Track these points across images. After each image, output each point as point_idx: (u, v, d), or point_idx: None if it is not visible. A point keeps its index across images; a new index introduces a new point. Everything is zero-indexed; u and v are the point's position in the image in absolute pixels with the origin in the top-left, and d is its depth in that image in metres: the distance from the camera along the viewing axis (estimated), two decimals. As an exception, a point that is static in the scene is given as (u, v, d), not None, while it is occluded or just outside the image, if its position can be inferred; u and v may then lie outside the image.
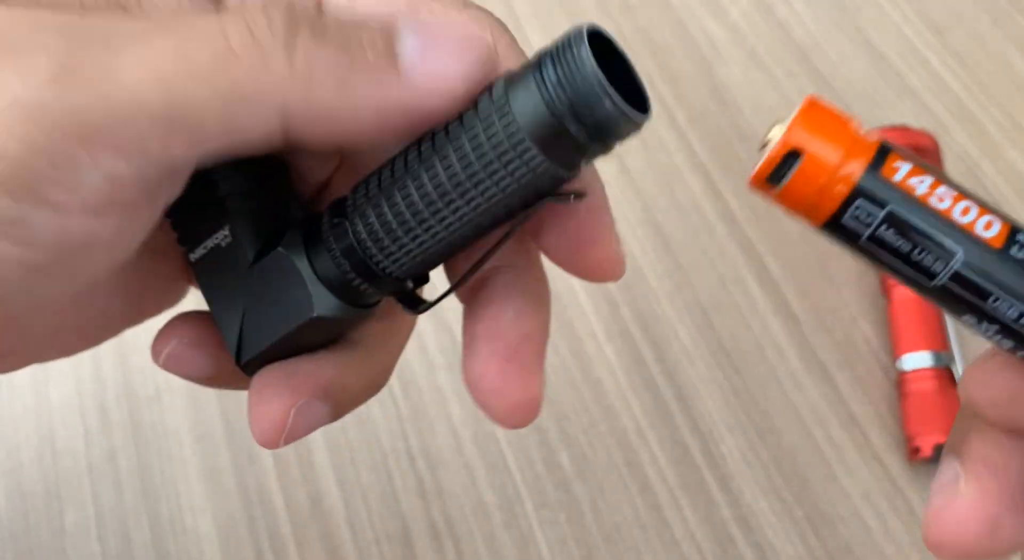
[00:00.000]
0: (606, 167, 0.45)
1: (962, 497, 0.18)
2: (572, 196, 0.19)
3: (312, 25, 0.17)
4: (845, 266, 0.41)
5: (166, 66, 0.16)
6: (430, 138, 0.19)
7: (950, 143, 0.44)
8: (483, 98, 0.18)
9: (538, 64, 0.18)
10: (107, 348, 0.41)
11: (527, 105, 0.18)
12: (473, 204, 0.18)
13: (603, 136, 0.18)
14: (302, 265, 0.20)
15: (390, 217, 0.19)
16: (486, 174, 0.18)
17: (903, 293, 0.39)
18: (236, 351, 0.21)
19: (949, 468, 0.18)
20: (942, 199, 0.16)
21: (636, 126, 0.18)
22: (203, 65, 0.16)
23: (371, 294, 0.20)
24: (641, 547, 0.36)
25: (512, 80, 0.18)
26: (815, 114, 0.17)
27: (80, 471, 0.39)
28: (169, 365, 0.22)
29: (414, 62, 0.18)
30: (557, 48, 0.18)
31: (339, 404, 0.21)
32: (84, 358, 0.41)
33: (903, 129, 0.40)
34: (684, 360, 0.40)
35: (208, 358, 0.22)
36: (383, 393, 0.40)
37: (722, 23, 0.49)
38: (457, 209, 0.19)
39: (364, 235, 0.19)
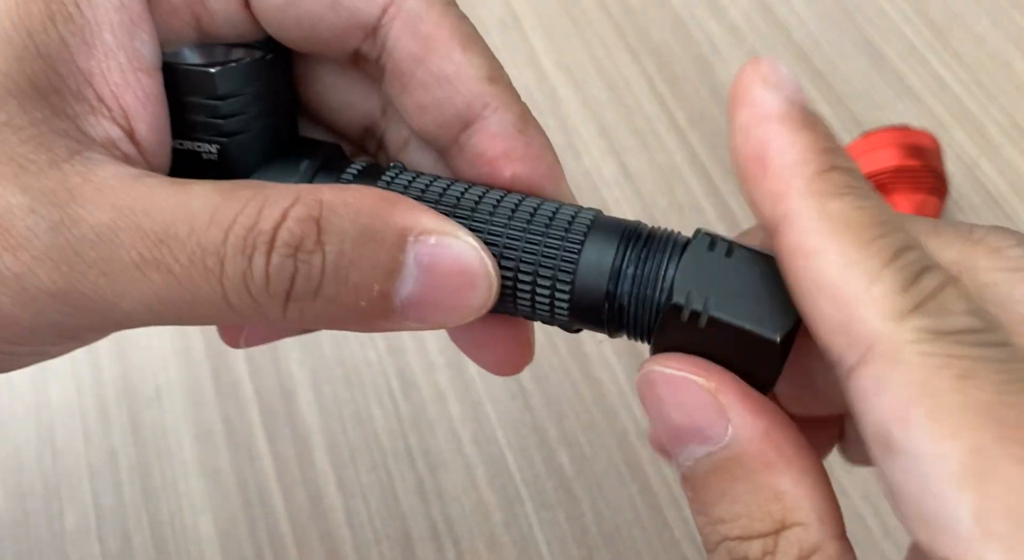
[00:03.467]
0: (606, 167, 0.45)
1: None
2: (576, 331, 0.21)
3: (308, 279, 0.18)
4: (845, 266, 0.41)
5: (161, 302, 0.18)
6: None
7: (950, 143, 0.44)
8: (565, 209, 0.20)
9: (627, 245, 0.19)
10: (107, 348, 0.41)
11: (597, 261, 0.19)
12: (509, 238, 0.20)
13: (626, 334, 0.20)
14: None
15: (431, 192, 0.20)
16: (528, 232, 0.20)
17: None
18: None
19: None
20: None
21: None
22: (194, 316, 0.18)
23: None
24: (641, 547, 0.36)
25: (600, 226, 0.20)
26: None
27: (80, 471, 0.39)
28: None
29: (407, 307, 0.19)
30: (650, 250, 0.19)
31: None
32: (84, 358, 0.41)
33: (903, 129, 0.40)
34: (684, 360, 0.40)
35: None
36: (383, 393, 0.40)
37: (722, 23, 0.49)
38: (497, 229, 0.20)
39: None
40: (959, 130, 0.45)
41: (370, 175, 0.21)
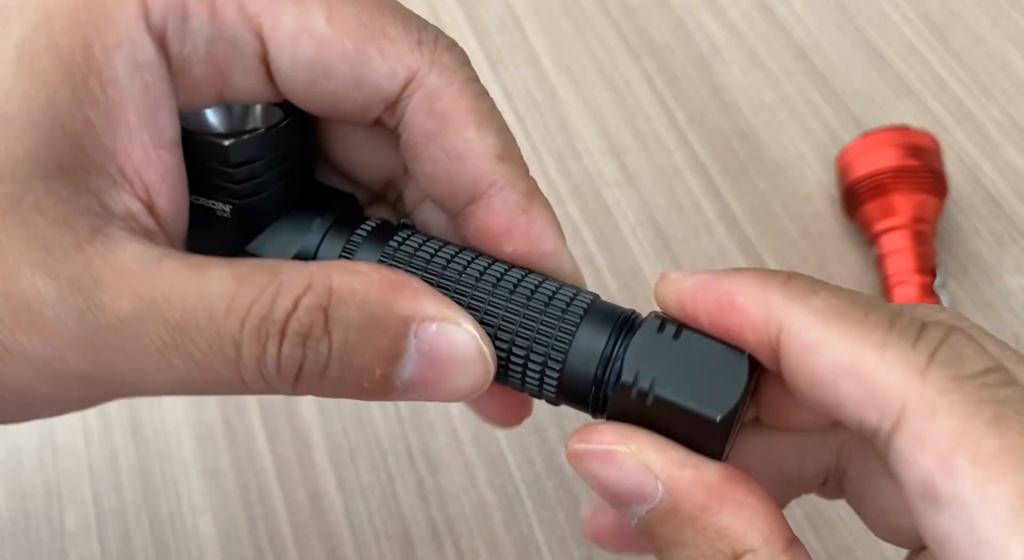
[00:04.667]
0: (606, 167, 0.45)
1: None
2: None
3: (315, 364, 0.19)
4: (845, 267, 0.42)
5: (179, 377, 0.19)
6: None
7: (950, 143, 0.44)
8: (563, 292, 0.21)
9: (617, 338, 0.20)
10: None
11: (588, 346, 0.20)
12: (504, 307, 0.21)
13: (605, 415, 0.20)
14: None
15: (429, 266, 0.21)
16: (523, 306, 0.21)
17: (903, 294, 0.39)
18: None
19: None
20: None
21: None
22: (211, 392, 0.19)
23: None
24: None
25: (595, 312, 0.20)
26: None
27: (80, 471, 0.39)
28: None
29: (407, 388, 0.20)
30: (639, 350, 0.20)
31: None
32: (84, 358, 0.41)
33: (903, 129, 0.40)
34: (684, 360, 0.40)
35: None
36: (383, 393, 0.40)
37: (722, 23, 0.49)
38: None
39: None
40: (959, 130, 0.45)
41: (380, 236, 0.22)
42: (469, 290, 0.21)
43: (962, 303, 0.40)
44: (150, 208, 0.20)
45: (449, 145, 0.21)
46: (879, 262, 0.40)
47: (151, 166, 0.20)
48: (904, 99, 0.46)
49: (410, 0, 0.52)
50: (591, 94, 0.47)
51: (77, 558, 0.37)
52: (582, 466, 0.20)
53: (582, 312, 0.20)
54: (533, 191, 0.22)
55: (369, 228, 0.22)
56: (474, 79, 0.22)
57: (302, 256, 0.22)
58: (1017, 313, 0.40)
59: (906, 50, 0.47)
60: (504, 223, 0.22)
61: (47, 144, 0.18)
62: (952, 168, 0.43)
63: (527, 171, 0.22)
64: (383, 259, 0.22)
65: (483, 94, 0.22)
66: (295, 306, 0.19)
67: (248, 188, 0.21)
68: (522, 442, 0.38)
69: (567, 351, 0.20)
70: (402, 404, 0.39)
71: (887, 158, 0.40)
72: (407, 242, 0.22)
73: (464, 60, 0.22)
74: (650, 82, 0.47)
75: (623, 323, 0.20)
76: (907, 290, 0.39)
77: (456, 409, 0.39)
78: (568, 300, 0.21)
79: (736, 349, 0.19)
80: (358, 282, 0.19)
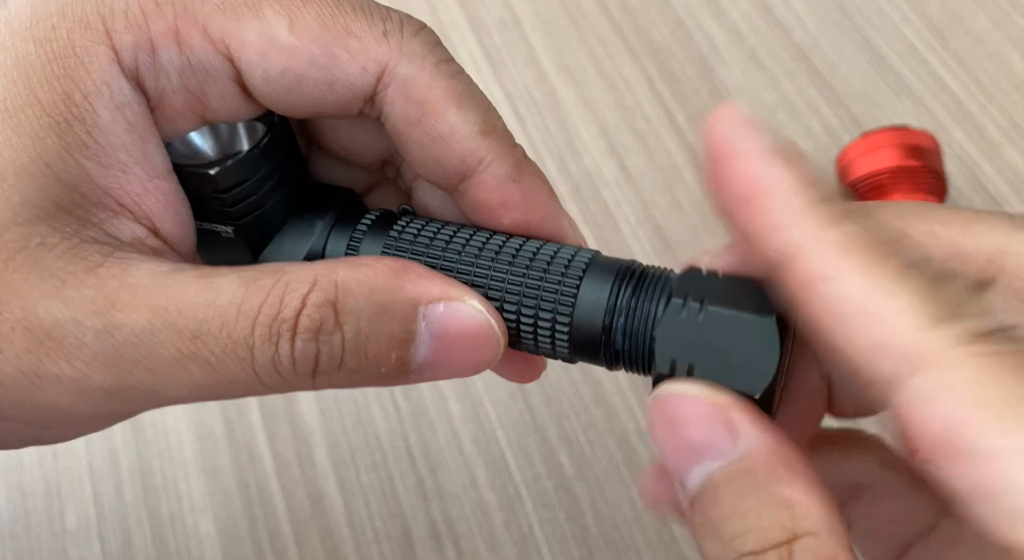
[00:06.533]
0: (606, 167, 0.45)
1: None
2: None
3: (330, 357, 0.20)
4: (845, 266, 0.41)
5: (198, 385, 0.20)
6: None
7: (950, 143, 0.44)
8: (563, 252, 0.21)
9: (621, 285, 0.21)
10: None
11: (594, 299, 0.21)
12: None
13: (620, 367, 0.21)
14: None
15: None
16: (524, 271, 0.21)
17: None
18: None
19: None
20: None
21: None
22: (232, 395, 0.20)
23: None
24: (641, 547, 0.36)
25: (596, 266, 0.21)
26: None
27: (81, 470, 0.39)
28: None
29: (423, 368, 0.21)
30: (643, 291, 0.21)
31: None
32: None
33: (903, 129, 0.40)
34: (684, 360, 0.40)
35: None
36: (383, 393, 0.40)
37: (722, 23, 0.49)
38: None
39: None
40: (959, 130, 0.45)
41: (382, 226, 0.23)
42: (470, 267, 0.21)
43: (962, 303, 0.40)
44: (155, 233, 0.21)
45: (432, 130, 0.21)
46: (879, 262, 0.40)
47: (150, 196, 0.21)
48: (904, 99, 0.46)
49: (410, 0, 0.52)
50: (591, 94, 0.47)
51: (77, 557, 0.37)
52: (666, 412, 0.19)
53: (583, 267, 0.21)
54: (521, 161, 0.22)
55: (370, 220, 0.23)
56: (446, 60, 0.22)
57: (311, 259, 0.22)
58: (1017, 313, 0.40)
59: (906, 50, 0.47)
60: (497, 197, 0.22)
61: (42, 191, 0.19)
62: (952, 168, 0.43)
63: (512, 141, 0.22)
64: (386, 249, 0.22)
65: (458, 73, 0.22)
66: (303, 303, 0.19)
67: (244, 209, 0.22)
68: (522, 442, 0.38)
69: (573, 306, 0.21)
70: (402, 404, 0.39)
71: (887, 158, 0.40)
72: (408, 228, 0.22)
73: (434, 41, 0.22)
74: (650, 82, 0.47)
75: (624, 273, 0.21)
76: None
77: (456, 409, 0.39)
78: (568, 259, 0.21)
79: (762, 314, 0.18)
80: (363, 273, 0.20)
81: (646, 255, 0.42)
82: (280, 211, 0.23)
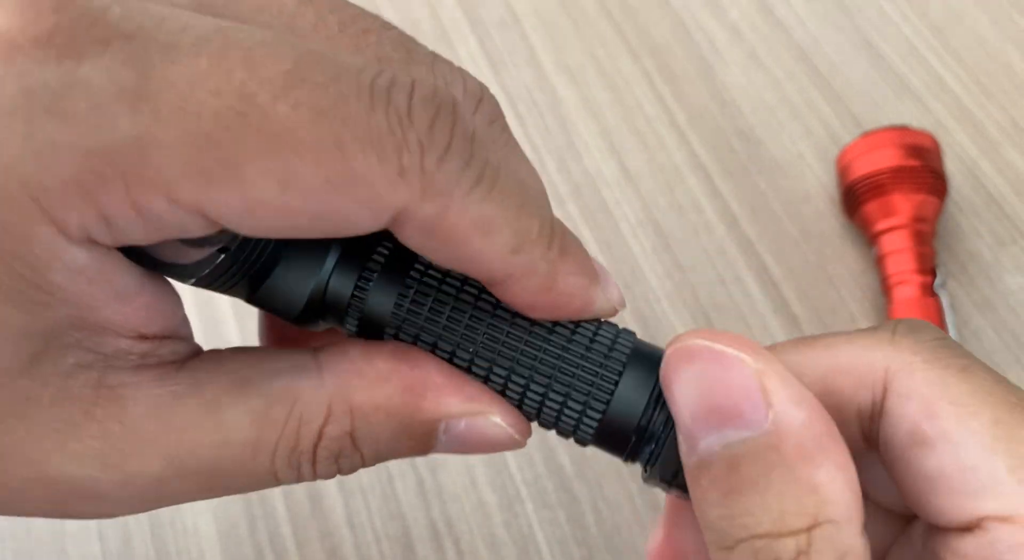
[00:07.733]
0: (606, 167, 0.45)
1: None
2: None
3: (351, 469, 0.20)
4: (845, 266, 0.42)
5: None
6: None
7: (950, 143, 0.44)
8: (602, 334, 0.20)
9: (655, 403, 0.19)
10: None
11: (631, 398, 0.19)
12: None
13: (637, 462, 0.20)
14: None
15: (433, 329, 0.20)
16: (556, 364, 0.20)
17: (903, 294, 0.39)
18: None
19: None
20: None
21: None
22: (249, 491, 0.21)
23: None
24: (641, 547, 0.36)
25: (637, 356, 0.20)
26: None
27: (80, 471, 0.39)
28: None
29: (446, 449, 0.21)
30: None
31: None
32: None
33: (903, 129, 0.40)
34: (684, 360, 0.39)
35: None
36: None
37: (722, 23, 0.49)
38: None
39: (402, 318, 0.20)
40: (959, 130, 0.45)
41: (395, 268, 0.20)
42: (496, 345, 0.20)
43: (962, 303, 0.40)
44: (142, 338, 0.19)
45: (453, 256, 0.19)
46: (879, 262, 0.40)
47: (131, 316, 0.19)
48: (904, 99, 0.46)
49: (410, 1, 0.52)
50: (591, 94, 0.47)
51: (77, 557, 0.37)
52: (692, 366, 0.18)
53: (624, 358, 0.19)
54: (555, 263, 0.19)
55: (382, 259, 0.20)
56: (478, 180, 0.18)
57: (315, 293, 0.20)
58: (1017, 313, 0.40)
59: (906, 50, 0.47)
60: (526, 303, 0.20)
61: (14, 350, 0.17)
62: (952, 168, 0.43)
63: (549, 240, 0.19)
64: (397, 310, 0.20)
65: (487, 196, 0.18)
66: (320, 436, 0.19)
67: (235, 279, 0.20)
68: (522, 442, 0.38)
69: (609, 400, 0.19)
70: (402, 404, 0.39)
71: (887, 158, 0.40)
72: (424, 280, 0.20)
73: (465, 159, 0.18)
74: (650, 82, 0.47)
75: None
76: (907, 290, 0.39)
77: (456, 409, 0.39)
78: (609, 344, 0.20)
79: None
80: (379, 395, 0.19)
81: (646, 255, 0.42)
82: (272, 258, 0.20)
